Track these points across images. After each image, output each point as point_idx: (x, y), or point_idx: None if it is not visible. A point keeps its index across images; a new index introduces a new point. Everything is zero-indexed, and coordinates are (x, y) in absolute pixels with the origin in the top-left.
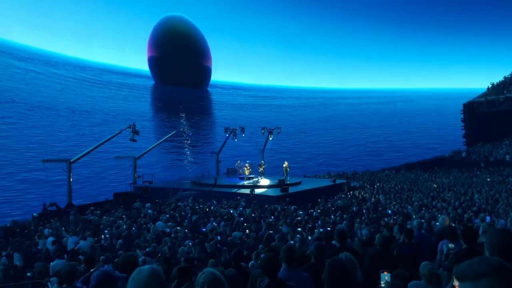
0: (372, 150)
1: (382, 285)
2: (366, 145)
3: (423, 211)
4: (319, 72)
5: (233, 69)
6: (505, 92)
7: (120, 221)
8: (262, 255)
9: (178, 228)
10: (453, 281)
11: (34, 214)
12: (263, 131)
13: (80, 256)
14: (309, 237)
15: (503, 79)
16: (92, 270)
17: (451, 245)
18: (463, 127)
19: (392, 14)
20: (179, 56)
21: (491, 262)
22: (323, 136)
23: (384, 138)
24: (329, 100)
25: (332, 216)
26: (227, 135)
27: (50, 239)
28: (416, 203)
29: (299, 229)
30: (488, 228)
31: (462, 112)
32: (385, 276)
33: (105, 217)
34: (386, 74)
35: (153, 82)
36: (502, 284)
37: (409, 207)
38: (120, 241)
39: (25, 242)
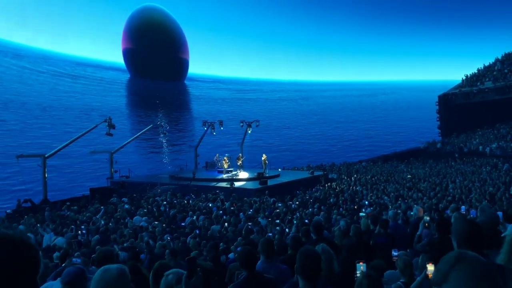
0: (350, 142)
1: (358, 275)
2: (344, 137)
3: (399, 202)
4: (298, 64)
5: (210, 61)
6: (478, 84)
7: (97, 216)
8: (239, 248)
9: (156, 222)
10: (426, 270)
11: (8, 211)
12: (241, 124)
13: (56, 253)
14: (287, 230)
15: (476, 71)
16: (63, 264)
17: (426, 218)
18: (438, 119)
19: (369, 7)
20: (155, 48)
21: (449, 257)
22: (303, 129)
23: (362, 131)
24: (309, 93)
25: (310, 208)
26: (205, 128)
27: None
28: (392, 194)
29: (278, 221)
30: (458, 218)
31: (437, 103)
32: (361, 266)
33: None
34: (364, 67)
35: (128, 76)
36: (467, 271)
37: (385, 198)
38: (97, 236)
39: None
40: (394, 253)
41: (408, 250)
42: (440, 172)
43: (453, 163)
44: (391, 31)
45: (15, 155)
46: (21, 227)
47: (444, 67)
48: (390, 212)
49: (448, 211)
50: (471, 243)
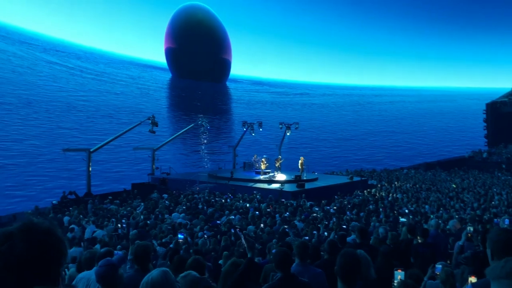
0: (392, 148)
1: (395, 283)
2: (386, 144)
3: (440, 211)
4: (343, 68)
5: (252, 62)
6: None
7: (137, 211)
8: (274, 250)
9: (195, 220)
10: (468, 283)
11: (53, 202)
12: (280, 126)
13: (97, 245)
14: (325, 233)
15: None
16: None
17: (470, 229)
18: (485, 127)
19: (417, 11)
20: (197, 48)
21: None
22: (345, 133)
23: (404, 137)
24: (356, 98)
25: (347, 213)
26: (244, 129)
27: (71, 226)
28: (433, 203)
29: (319, 225)
30: (492, 228)
31: (484, 112)
32: (399, 275)
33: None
34: (408, 72)
35: (170, 75)
36: None
37: (426, 206)
38: (135, 231)
39: None
40: (438, 267)
41: (448, 261)
42: (486, 183)
43: (499, 174)
44: (438, 35)
45: (61, 149)
46: (66, 218)
47: (491, 74)
48: (433, 221)
49: (497, 220)
50: (506, 252)
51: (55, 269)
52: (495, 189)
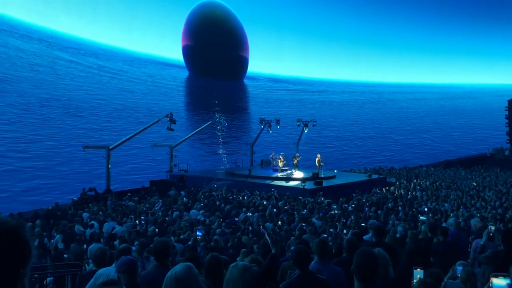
0: (415, 147)
1: (414, 282)
2: (408, 142)
3: (461, 210)
4: (363, 64)
5: (270, 59)
6: None
7: (155, 208)
8: (292, 247)
9: (213, 217)
10: (490, 283)
11: (74, 198)
12: (298, 123)
13: (116, 241)
14: (344, 231)
15: None
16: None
17: (491, 228)
18: (507, 124)
19: (435, 5)
20: (215, 46)
21: None
22: (366, 131)
23: (427, 135)
24: (376, 95)
25: (366, 209)
26: (262, 126)
27: (90, 222)
28: (453, 201)
29: (337, 223)
30: None
31: (506, 108)
32: (418, 274)
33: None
34: (428, 68)
35: (187, 73)
36: None
37: (446, 204)
38: (153, 227)
39: (66, 225)
40: (459, 269)
41: (468, 261)
42: (508, 181)
43: None
44: (458, 30)
45: (82, 146)
46: (85, 214)
47: None
48: (451, 220)
49: None
50: None
51: (12, 276)
52: None
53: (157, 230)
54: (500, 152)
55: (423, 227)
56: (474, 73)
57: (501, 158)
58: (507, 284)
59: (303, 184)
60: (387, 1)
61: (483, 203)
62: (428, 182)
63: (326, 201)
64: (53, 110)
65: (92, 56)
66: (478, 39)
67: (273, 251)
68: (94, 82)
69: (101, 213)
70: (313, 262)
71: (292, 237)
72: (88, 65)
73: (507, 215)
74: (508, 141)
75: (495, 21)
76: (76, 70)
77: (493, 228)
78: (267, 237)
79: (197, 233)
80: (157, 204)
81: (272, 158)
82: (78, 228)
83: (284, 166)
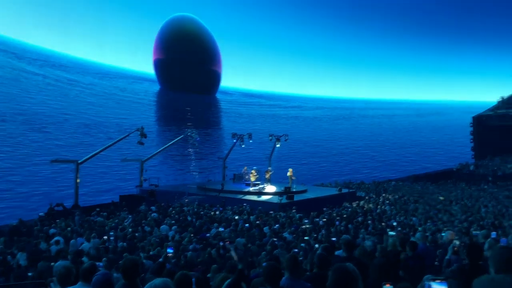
0: (380, 161)
1: None
2: (374, 156)
3: (428, 223)
4: (335, 81)
5: (243, 74)
6: None
7: (125, 223)
8: (264, 264)
9: (184, 233)
10: None
11: (40, 214)
12: (270, 138)
13: (84, 257)
14: (316, 245)
15: None
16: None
17: (456, 242)
18: (471, 140)
19: (404, 24)
20: (187, 60)
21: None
22: (337, 146)
23: (392, 150)
24: (348, 111)
25: (336, 223)
26: (234, 140)
27: (56, 238)
28: (421, 215)
29: (307, 237)
30: (493, 244)
31: (471, 125)
32: None
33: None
34: (397, 85)
35: (159, 87)
36: None
37: (414, 218)
38: (123, 243)
39: (31, 242)
40: (427, 284)
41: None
42: (473, 195)
43: (485, 187)
44: (427, 48)
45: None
46: (52, 230)
47: (479, 87)
48: (418, 234)
49: (479, 236)
50: (509, 269)
51: None
52: (482, 201)
53: (126, 245)
54: (465, 167)
55: (390, 240)
56: (443, 91)
57: (466, 173)
58: None
59: (280, 198)
60: (358, 19)
61: (451, 218)
62: (396, 196)
63: (297, 215)
64: (16, 125)
65: (61, 69)
66: (445, 58)
67: (239, 267)
68: (62, 95)
69: (69, 229)
70: (284, 278)
71: (263, 252)
72: (55, 78)
73: (472, 229)
74: (473, 156)
75: (462, 41)
76: (43, 84)
77: (457, 242)
78: (233, 253)
79: (168, 250)
80: (126, 220)
81: (244, 172)
82: (43, 245)
83: (256, 180)
